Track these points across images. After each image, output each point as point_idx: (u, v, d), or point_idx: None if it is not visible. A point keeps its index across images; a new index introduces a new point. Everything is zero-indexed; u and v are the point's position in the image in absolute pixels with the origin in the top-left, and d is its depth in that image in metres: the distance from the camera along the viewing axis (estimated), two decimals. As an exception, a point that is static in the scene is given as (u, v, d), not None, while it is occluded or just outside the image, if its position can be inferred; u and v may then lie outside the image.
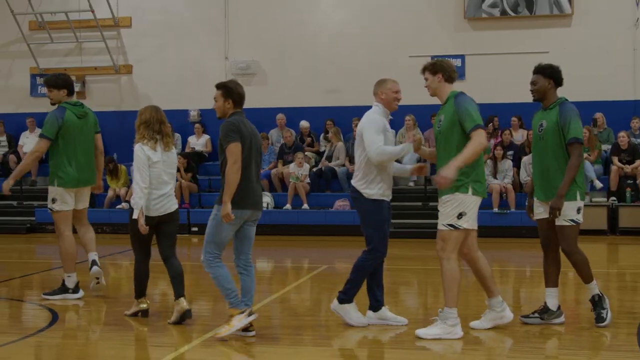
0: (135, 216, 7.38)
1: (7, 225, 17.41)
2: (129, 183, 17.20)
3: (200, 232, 16.37)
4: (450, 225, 6.66)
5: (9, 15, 19.01)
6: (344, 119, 17.75)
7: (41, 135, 8.60)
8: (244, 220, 6.92)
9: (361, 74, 17.72)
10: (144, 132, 7.44)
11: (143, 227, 7.35)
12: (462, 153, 6.40)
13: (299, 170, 16.44)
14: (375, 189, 6.99)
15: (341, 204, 16.27)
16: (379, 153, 6.80)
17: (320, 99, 18.47)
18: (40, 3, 19.31)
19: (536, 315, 7.23)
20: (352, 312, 7.15)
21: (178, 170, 17.09)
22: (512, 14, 17.58)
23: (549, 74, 7.16)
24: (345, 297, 7.13)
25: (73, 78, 19.09)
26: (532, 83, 7.22)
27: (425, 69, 6.80)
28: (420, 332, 6.72)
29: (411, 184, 16.81)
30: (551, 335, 6.95)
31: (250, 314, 6.83)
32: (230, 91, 6.94)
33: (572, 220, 6.90)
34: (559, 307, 7.22)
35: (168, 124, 7.63)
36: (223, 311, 8.25)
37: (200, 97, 18.97)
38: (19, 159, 18.55)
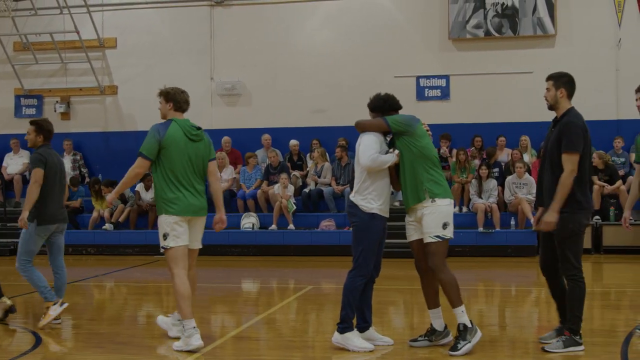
0: None
1: (-9, 247, 17.30)
2: (114, 205, 17.15)
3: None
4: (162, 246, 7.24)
5: (-6, 36, 19.01)
6: (330, 139, 17.79)
7: None
8: (52, 232, 8.41)
9: (347, 94, 17.83)
10: None
11: None
12: None
13: (285, 192, 16.43)
14: (374, 203, 6.92)
15: (327, 224, 16.27)
16: (372, 159, 6.79)
17: (306, 119, 18.51)
18: (25, 24, 19.32)
19: (424, 338, 7.10)
20: (355, 340, 6.97)
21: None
22: (496, 34, 17.71)
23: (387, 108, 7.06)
24: (345, 325, 6.99)
25: (57, 99, 19.39)
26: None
27: (160, 94, 7.50)
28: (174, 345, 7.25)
29: (396, 203, 16.79)
30: (533, 354, 6.94)
31: (62, 304, 8.35)
32: (41, 128, 8.44)
33: (438, 237, 6.78)
34: (445, 327, 7.10)
35: None
36: (208, 333, 8.23)
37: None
38: (3, 180, 18.48)
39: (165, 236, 7.12)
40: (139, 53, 19.37)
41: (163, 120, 7.41)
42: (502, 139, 17.14)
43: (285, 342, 7.67)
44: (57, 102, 19.55)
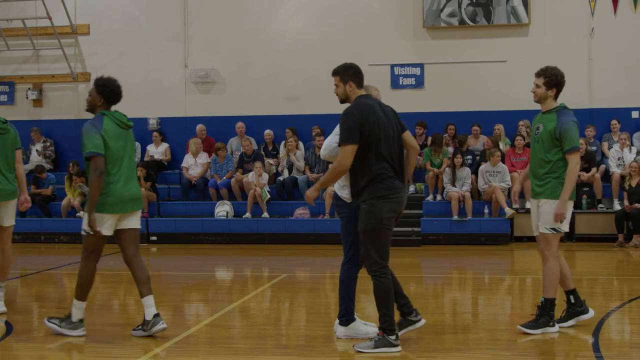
0: None
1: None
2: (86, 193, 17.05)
3: (160, 241, 16.31)
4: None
5: (-36, 22, 18.75)
6: (305, 127, 17.77)
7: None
8: None
9: (321, 82, 17.75)
10: None
11: None
12: None
13: (259, 180, 16.39)
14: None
15: (301, 212, 16.26)
16: (324, 148, 6.85)
17: (280, 107, 18.46)
18: (-4, 10, 19.09)
19: (139, 328, 7.12)
20: (361, 327, 6.97)
21: (138, 179, 16.97)
22: (471, 23, 17.73)
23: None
24: (347, 317, 6.97)
25: (29, 86, 19.20)
26: None
27: None
28: None
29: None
30: (507, 341, 6.99)
31: None
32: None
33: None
34: (157, 315, 7.08)
35: None
36: (182, 321, 8.21)
37: (160, 105, 18.89)
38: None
39: None
40: (112, 40, 19.20)
41: None
42: (476, 127, 17.18)
43: (259, 331, 7.67)
44: (29, 89, 19.34)
